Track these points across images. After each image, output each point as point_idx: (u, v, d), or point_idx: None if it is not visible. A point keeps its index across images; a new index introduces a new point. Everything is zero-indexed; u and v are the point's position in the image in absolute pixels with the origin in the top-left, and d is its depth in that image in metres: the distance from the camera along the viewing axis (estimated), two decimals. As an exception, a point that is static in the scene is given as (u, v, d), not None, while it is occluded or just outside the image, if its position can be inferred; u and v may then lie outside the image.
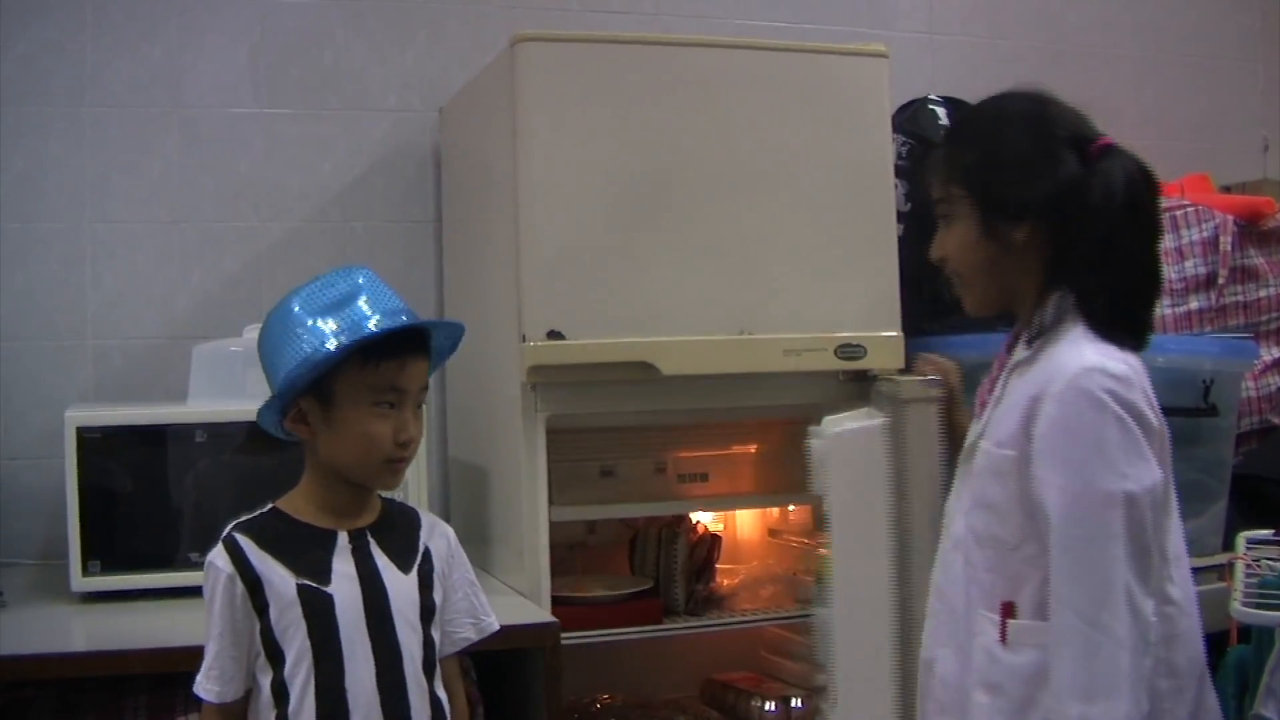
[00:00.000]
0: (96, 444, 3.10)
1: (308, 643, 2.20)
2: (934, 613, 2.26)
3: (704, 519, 3.68)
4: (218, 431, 3.16)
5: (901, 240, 3.47)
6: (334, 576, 2.23)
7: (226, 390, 3.27)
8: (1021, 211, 2.12)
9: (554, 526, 3.25)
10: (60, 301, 3.66)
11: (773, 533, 3.77)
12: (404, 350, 2.23)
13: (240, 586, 2.19)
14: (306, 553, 2.24)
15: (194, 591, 3.00)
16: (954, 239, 2.22)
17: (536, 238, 3.06)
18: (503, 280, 3.18)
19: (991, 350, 3.22)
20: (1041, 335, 2.11)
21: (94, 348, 3.66)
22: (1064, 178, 2.10)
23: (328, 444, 2.24)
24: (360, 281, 2.26)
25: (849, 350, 3.23)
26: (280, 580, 2.20)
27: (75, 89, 3.66)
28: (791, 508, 3.69)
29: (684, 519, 3.55)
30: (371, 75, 3.89)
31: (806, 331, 3.21)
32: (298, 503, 2.29)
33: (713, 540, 3.55)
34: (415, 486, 3.20)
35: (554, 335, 3.01)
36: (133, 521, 3.15)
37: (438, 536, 2.40)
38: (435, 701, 2.29)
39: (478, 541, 3.55)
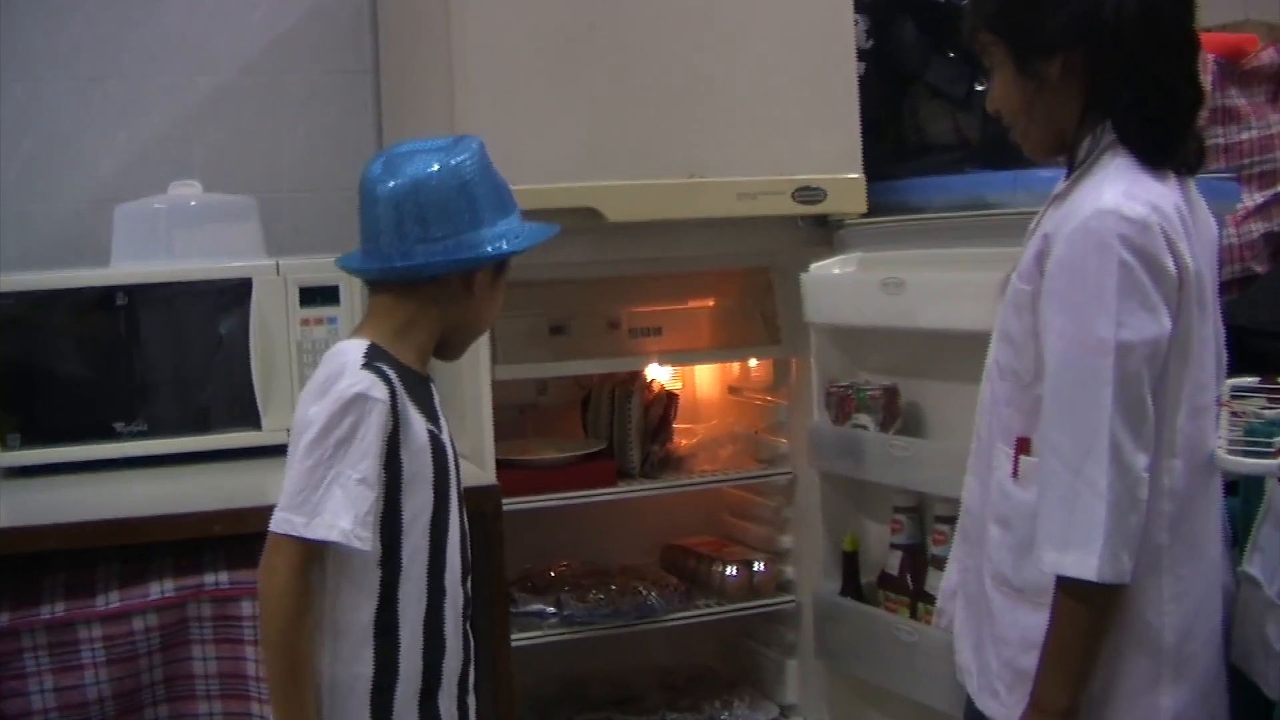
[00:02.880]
0: (9, 311, 2.94)
1: (431, 494, 2.10)
2: (974, 441, 2.24)
3: (661, 377, 3.53)
4: (140, 294, 2.99)
5: (863, 80, 3.29)
6: (443, 424, 2.17)
7: (151, 251, 3.11)
8: (1048, 45, 2.05)
9: (501, 387, 3.13)
10: (-25, 167, 3.47)
11: (733, 390, 3.63)
12: None
13: (390, 423, 2.04)
14: (424, 397, 2.15)
15: (120, 464, 2.94)
16: (997, 87, 2.14)
17: (470, 80, 2.88)
18: (438, 128, 2.99)
19: (961, 193, 3.11)
20: (1080, 168, 2.04)
21: (14, 215, 3.47)
22: (1080, 3, 2.02)
23: (478, 309, 2.21)
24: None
25: (807, 194, 3.06)
26: (417, 424, 2.09)
27: (-17, -61, 3.45)
28: (754, 363, 3.52)
29: (638, 376, 3.41)
30: (301, -88, 3.68)
31: (762, 174, 3.04)
32: (398, 345, 2.15)
33: (669, 398, 3.41)
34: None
35: (491, 182, 2.83)
36: (53, 392, 3.00)
37: None
38: None
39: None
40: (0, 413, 2.94)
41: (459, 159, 2.14)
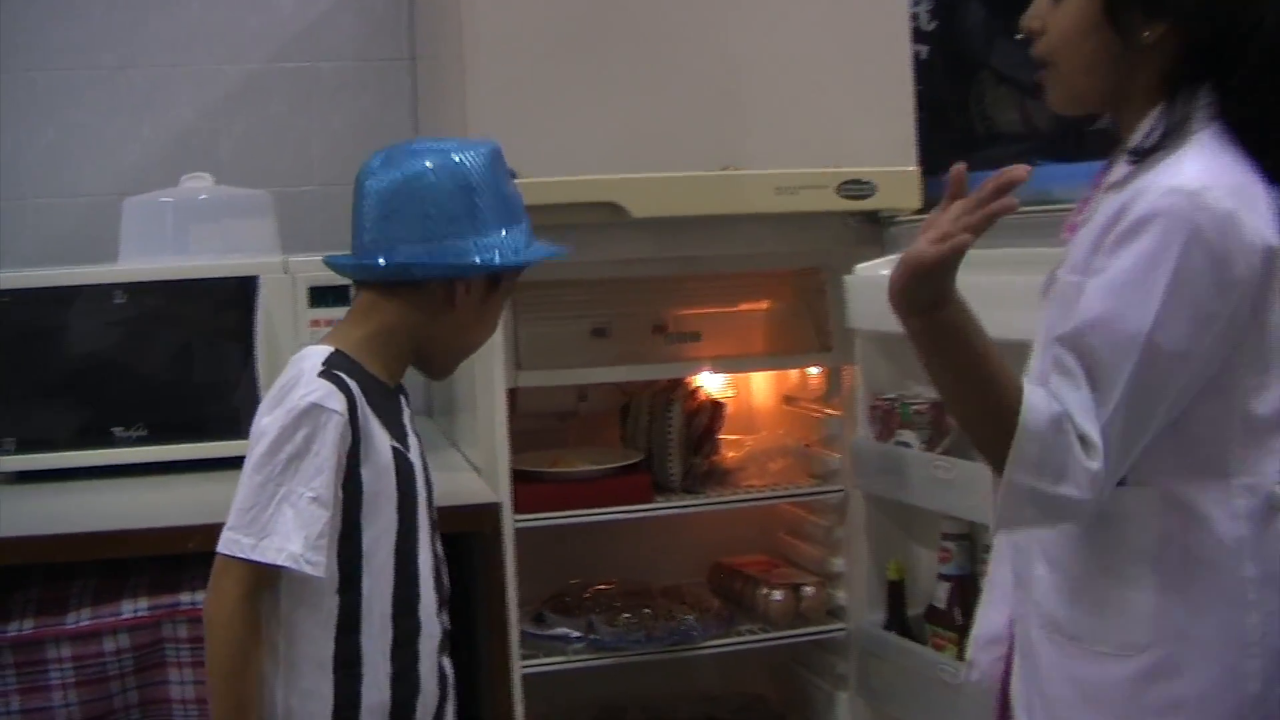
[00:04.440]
0: (5, 309, 2.81)
1: (395, 515, 1.93)
2: None
3: (711, 385, 3.29)
4: (139, 293, 2.83)
5: (926, 64, 3.05)
6: (410, 441, 2.00)
7: (158, 247, 2.96)
8: (1159, 8, 1.72)
9: (538, 393, 2.97)
10: (-3, 158, 3.35)
11: (788, 399, 3.38)
12: None
13: (349, 438, 1.87)
14: (389, 410, 1.98)
15: (118, 470, 2.78)
16: (1064, 16, 1.80)
17: (482, 63, 2.68)
18: (455, 115, 2.81)
19: (1025, 187, 2.84)
20: (1149, 145, 1.74)
21: (34, 207, 3.37)
22: None
23: (462, 323, 2.04)
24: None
25: (854, 187, 2.81)
26: (379, 439, 1.92)
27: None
28: (814, 371, 3.26)
29: (680, 384, 3.17)
30: (336, -106, 3.52)
31: (803, 166, 2.79)
32: (363, 353, 1.99)
33: (714, 408, 3.17)
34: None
35: (505, 174, 2.62)
36: (48, 395, 2.86)
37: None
38: None
39: (449, 412, 3.24)
40: (-8, 416, 2.80)
41: (463, 157, 1.99)
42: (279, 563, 1.82)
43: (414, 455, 2.00)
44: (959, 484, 2.55)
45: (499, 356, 2.75)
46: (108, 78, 3.39)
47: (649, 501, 3.00)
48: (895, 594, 2.86)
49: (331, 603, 1.89)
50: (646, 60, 2.72)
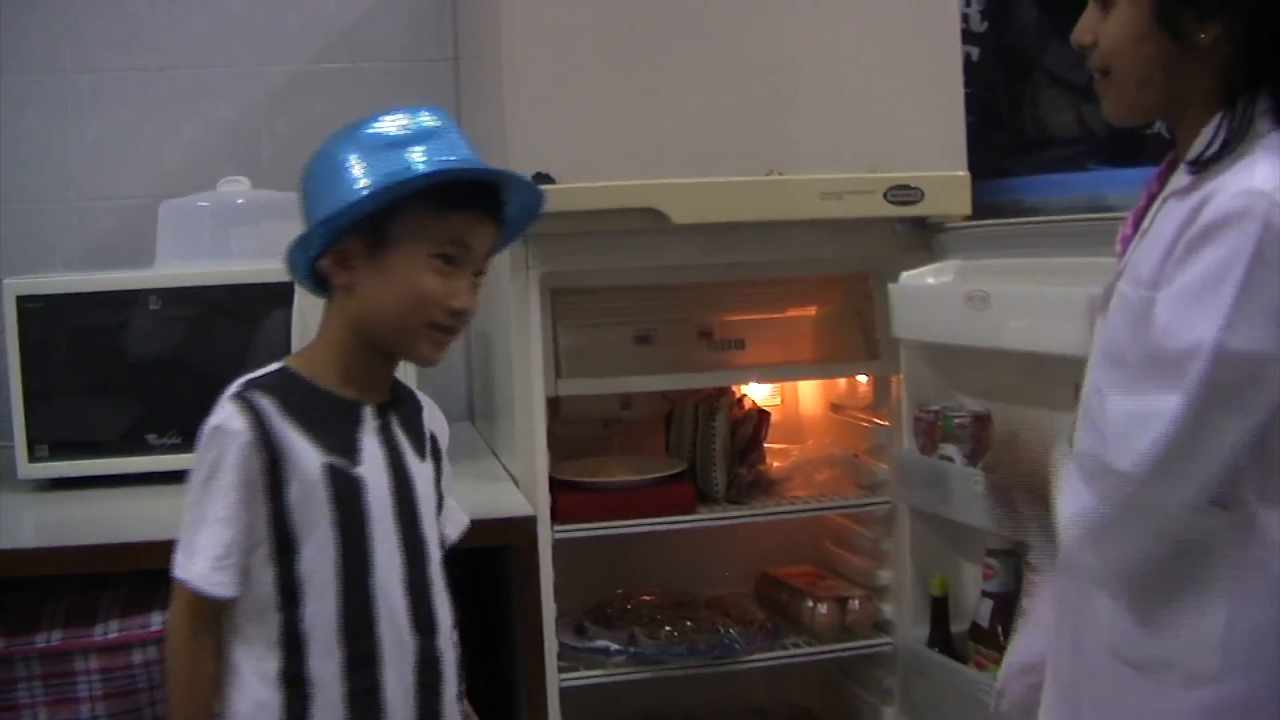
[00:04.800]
0: (39, 314, 2.77)
1: (333, 533, 1.86)
2: None
3: (758, 392, 3.23)
4: (173, 298, 2.79)
5: (979, 66, 2.98)
6: (363, 456, 1.91)
7: (195, 251, 2.92)
8: (1212, 7, 1.66)
9: (582, 401, 2.93)
10: (40, 160, 3.33)
11: (835, 408, 3.30)
12: (479, 204, 1.92)
13: (258, 458, 1.83)
14: (332, 426, 1.90)
15: (153, 479, 2.74)
16: (1115, 25, 1.75)
17: (518, 64, 2.63)
18: (493, 118, 2.76)
19: (1079, 192, 2.77)
20: (1213, 152, 1.67)
21: (78, 209, 3.34)
22: None
23: (369, 295, 1.89)
24: (434, 121, 1.90)
25: (902, 193, 2.73)
26: (304, 455, 1.85)
27: (46, -77, 3.30)
28: (863, 378, 3.19)
29: (726, 392, 3.11)
30: (379, -108, 3.46)
31: (850, 171, 2.72)
32: (315, 366, 1.93)
33: (760, 416, 3.11)
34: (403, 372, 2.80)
35: (541, 178, 2.56)
36: (82, 402, 2.82)
37: (438, 421, 2.10)
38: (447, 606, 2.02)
39: (489, 417, 3.19)
40: (27, 423, 2.77)
41: (333, 137, 1.89)
42: (190, 581, 1.82)
43: (366, 470, 1.91)
44: (1000, 500, 2.48)
45: (538, 364, 2.71)
46: (149, 78, 3.35)
47: (692, 512, 2.95)
48: (939, 610, 2.79)
49: (275, 620, 1.85)
50: (689, 62, 2.67)
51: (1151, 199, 1.81)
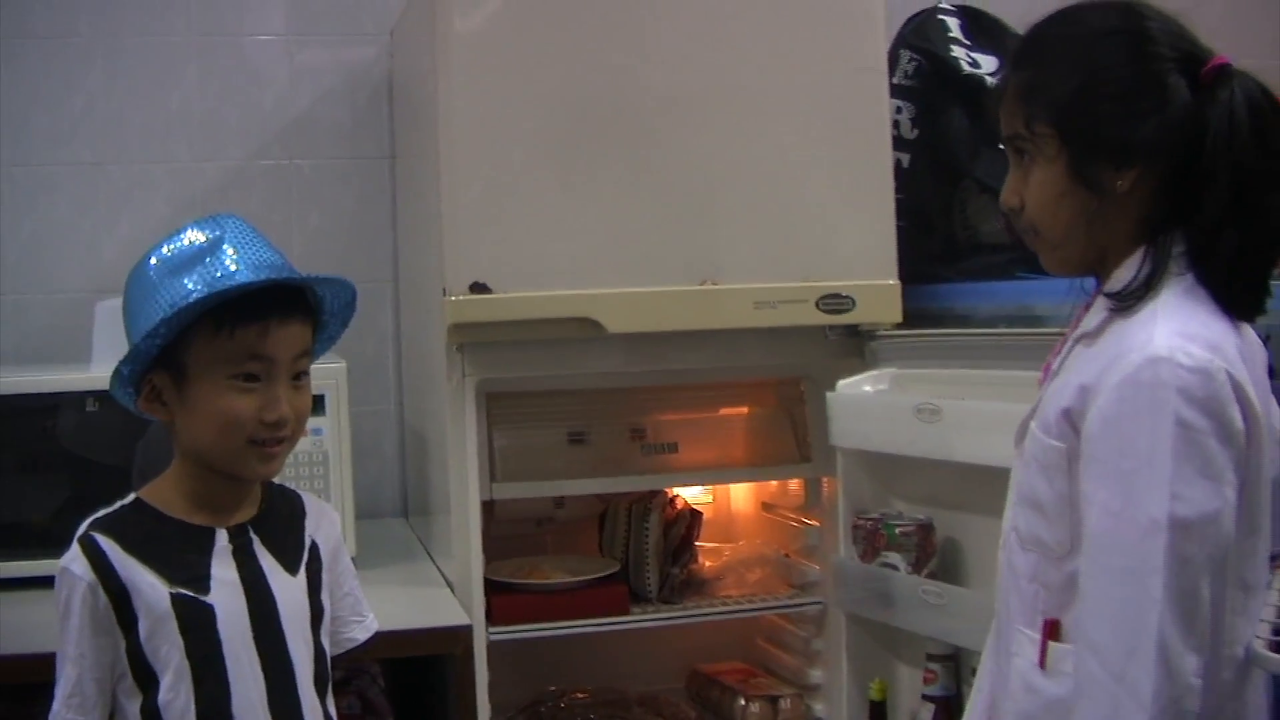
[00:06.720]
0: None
1: (186, 663, 1.86)
2: (994, 619, 1.95)
3: (689, 492, 3.25)
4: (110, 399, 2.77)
5: (908, 172, 3.03)
6: (213, 584, 1.89)
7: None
8: (1126, 155, 1.72)
9: (516, 501, 2.95)
10: (-26, 253, 3.32)
11: (766, 507, 3.33)
12: (268, 312, 1.85)
13: (103, 597, 1.84)
14: (180, 556, 1.89)
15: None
16: (1036, 187, 1.80)
17: (457, 175, 2.66)
18: (428, 226, 2.78)
19: (1008, 301, 2.81)
20: (1121, 298, 1.73)
21: (12, 303, 3.32)
22: (1176, 111, 1.71)
23: (185, 427, 1.88)
24: (222, 232, 1.88)
25: (834, 302, 2.78)
26: (151, 589, 1.85)
27: (-14, 18, 3.30)
28: (792, 482, 3.22)
29: (659, 493, 3.13)
30: (316, -7, 3.49)
31: (782, 279, 2.77)
32: (166, 495, 1.93)
33: (692, 516, 3.14)
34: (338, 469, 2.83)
35: (478, 288, 2.60)
36: (15, 502, 2.81)
37: (325, 525, 2.06)
38: None
39: (424, 514, 3.20)
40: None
41: (147, 254, 1.91)
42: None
43: (217, 597, 1.89)
44: (949, 609, 2.53)
45: (474, 468, 2.73)
46: (86, 171, 3.36)
47: (625, 613, 2.97)
48: (877, 714, 2.81)
49: None
50: (625, 173, 2.70)
51: (1070, 336, 1.86)
